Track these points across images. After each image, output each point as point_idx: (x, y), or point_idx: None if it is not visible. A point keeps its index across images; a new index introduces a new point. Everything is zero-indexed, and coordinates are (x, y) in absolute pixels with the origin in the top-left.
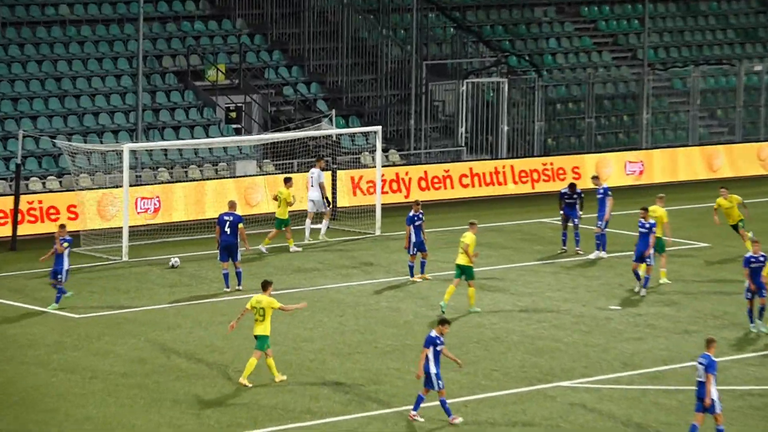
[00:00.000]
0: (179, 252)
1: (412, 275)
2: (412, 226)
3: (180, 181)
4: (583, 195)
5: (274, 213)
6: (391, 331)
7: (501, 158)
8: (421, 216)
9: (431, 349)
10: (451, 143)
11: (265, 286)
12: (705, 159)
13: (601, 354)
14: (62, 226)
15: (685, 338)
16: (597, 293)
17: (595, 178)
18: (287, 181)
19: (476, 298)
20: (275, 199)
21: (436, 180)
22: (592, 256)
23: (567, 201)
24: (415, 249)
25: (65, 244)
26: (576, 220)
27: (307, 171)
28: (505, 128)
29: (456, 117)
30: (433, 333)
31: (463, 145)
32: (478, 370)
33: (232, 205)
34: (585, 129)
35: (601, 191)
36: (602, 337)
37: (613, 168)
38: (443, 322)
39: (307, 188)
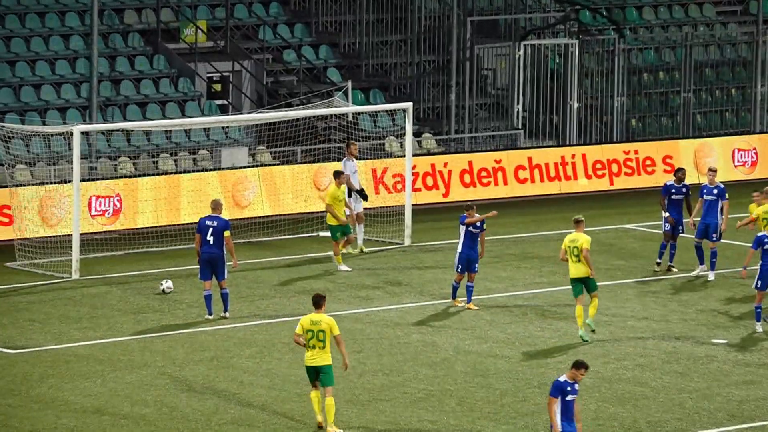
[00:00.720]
0: (146, 268)
1: (454, 297)
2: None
3: (147, 175)
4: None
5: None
6: (425, 371)
7: (570, 145)
8: (480, 225)
9: (559, 399)
10: (504, 125)
11: (319, 302)
12: None
13: (701, 402)
14: None
15: None
16: (695, 323)
17: (713, 171)
18: (338, 175)
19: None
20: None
21: (484, 173)
22: (694, 274)
23: (674, 197)
24: (463, 267)
25: None
26: (681, 226)
27: (317, 162)
28: (576, 105)
29: (510, 91)
30: (563, 378)
31: (519, 127)
32: (538, 423)
33: (217, 206)
34: (680, 106)
35: (715, 191)
36: (702, 380)
37: (718, 157)
38: (579, 365)
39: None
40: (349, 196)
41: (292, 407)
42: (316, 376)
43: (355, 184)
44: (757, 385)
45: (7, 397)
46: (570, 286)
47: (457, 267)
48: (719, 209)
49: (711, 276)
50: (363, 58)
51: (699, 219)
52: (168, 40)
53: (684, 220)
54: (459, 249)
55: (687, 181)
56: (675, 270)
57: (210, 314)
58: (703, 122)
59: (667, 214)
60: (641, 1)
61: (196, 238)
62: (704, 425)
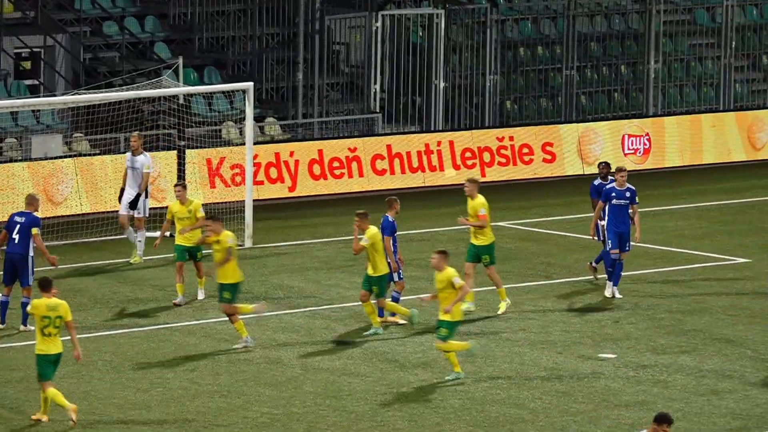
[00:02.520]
0: None
1: (382, 315)
2: (392, 238)
3: None
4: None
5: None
6: (269, 392)
7: (435, 131)
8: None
9: None
10: (359, 108)
11: (46, 285)
12: (743, 130)
13: (587, 426)
14: None
15: (711, 402)
16: (579, 334)
17: (623, 172)
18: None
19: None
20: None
21: (336, 164)
22: (608, 293)
23: (609, 194)
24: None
25: None
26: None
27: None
28: (442, 85)
29: (367, 68)
30: None
31: (377, 110)
32: None
33: (32, 201)
34: (562, 85)
35: (628, 194)
36: (588, 400)
37: (605, 145)
38: (662, 420)
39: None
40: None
41: None
42: (54, 366)
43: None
44: (651, 406)
45: None
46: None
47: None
48: (629, 215)
49: (618, 294)
50: (196, 31)
51: (602, 223)
52: None
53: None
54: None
55: (569, 171)
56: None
57: (2, 323)
58: (588, 104)
59: (604, 223)
60: None
61: (2, 234)
62: None
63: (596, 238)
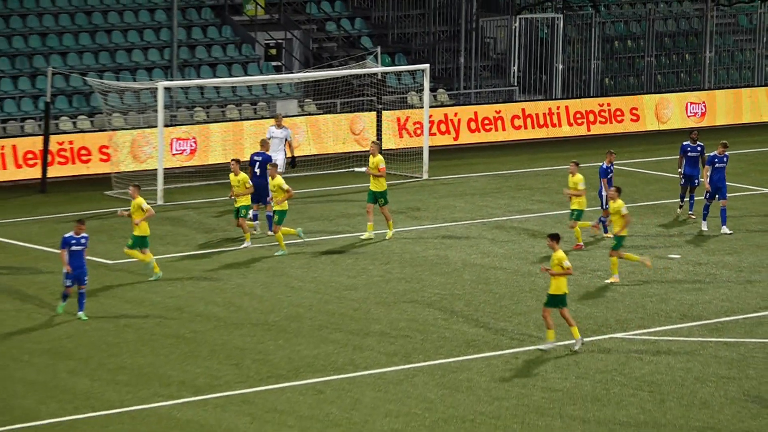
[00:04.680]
0: (216, 196)
1: (605, 231)
2: (606, 179)
3: (217, 121)
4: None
5: None
6: (439, 279)
7: (555, 99)
8: (612, 168)
9: None
10: (502, 83)
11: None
12: None
13: (659, 305)
14: (80, 222)
15: (747, 288)
16: (655, 240)
17: (725, 145)
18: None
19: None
20: None
21: (486, 121)
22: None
23: (689, 155)
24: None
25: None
26: (697, 180)
27: (352, 111)
28: (560, 67)
29: (508, 55)
30: None
31: (515, 84)
32: (530, 321)
33: (264, 143)
34: (644, 68)
35: (725, 160)
36: (660, 287)
37: (674, 110)
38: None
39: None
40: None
41: (333, 308)
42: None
43: (281, 152)
44: (704, 292)
45: (106, 298)
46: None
47: (605, 204)
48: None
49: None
50: (390, 29)
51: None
52: (233, 14)
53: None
54: (603, 192)
55: (649, 128)
56: (693, 217)
57: (256, 228)
58: (662, 81)
59: (681, 171)
60: None
61: (248, 170)
62: (662, 323)
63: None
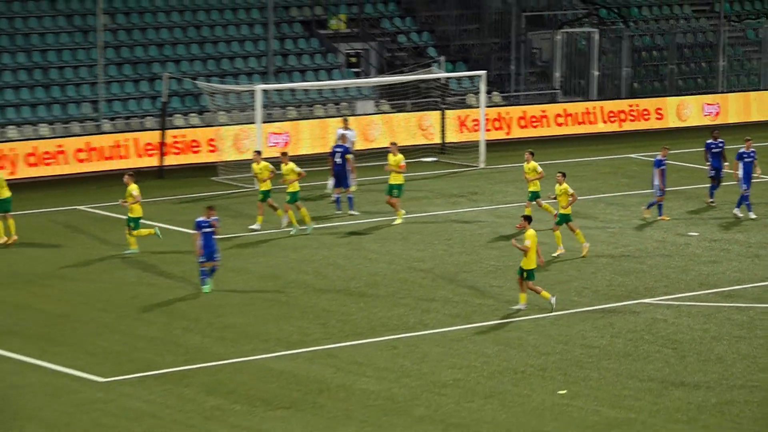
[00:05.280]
0: (305, 181)
1: (660, 214)
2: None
3: (306, 119)
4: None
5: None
6: (493, 253)
7: (592, 100)
8: (665, 160)
9: None
10: (547, 86)
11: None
12: None
13: (681, 275)
14: (211, 208)
15: (755, 262)
16: (677, 221)
17: (749, 140)
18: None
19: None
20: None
21: (533, 119)
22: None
23: (713, 151)
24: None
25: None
26: (722, 172)
27: (420, 110)
28: (596, 73)
29: (551, 63)
30: None
31: (557, 88)
32: (571, 288)
33: (343, 137)
34: (667, 74)
35: (753, 154)
36: (681, 260)
37: (692, 110)
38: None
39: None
40: None
41: (405, 276)
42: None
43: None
44: (719, 264)
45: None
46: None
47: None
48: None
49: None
50: (451, 40)
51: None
52: (320, 28)
53: (725, 164)
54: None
55: (671, 125)
56: (714, 204)
57: (339, 210)
58: (682, 85)
59: (709, 164)
60: (641, 2)
61: (329, 160)
62: (683, 290)
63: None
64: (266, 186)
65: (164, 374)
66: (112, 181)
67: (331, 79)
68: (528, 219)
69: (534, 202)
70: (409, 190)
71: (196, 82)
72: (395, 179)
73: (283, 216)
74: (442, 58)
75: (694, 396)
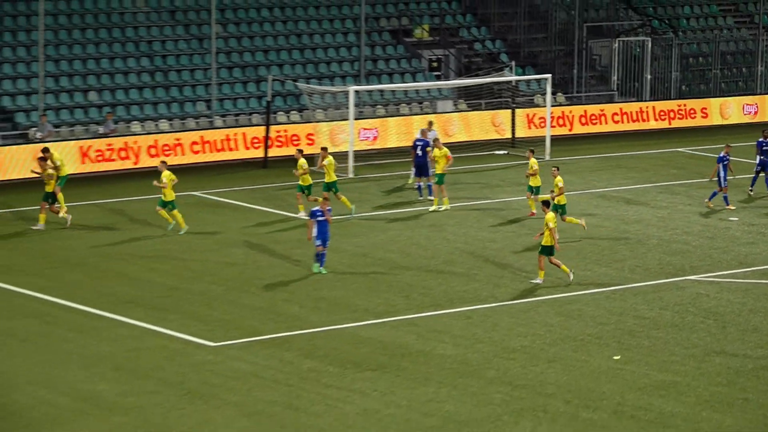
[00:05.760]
0: (393, 170)
1: (727, 203)
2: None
3: (393, 116)
4: None
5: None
6: (557, 235)
7: (645, 100)
8: (728, 157)
9: None
10: (605, 88)
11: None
12: None
13: (722, 255)
14: (326, 199)
15: None
16: (720, 208)
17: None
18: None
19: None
20: None
21: (593, 117)
22: None
23: (764, 149)
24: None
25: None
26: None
27: (493, 109)
28: (648, 77)
29: (609, 68)
30: None
31: (614, 90)
32: (625, 266)
33: (423, 132)
34: (711, 78)
35: None
36: (723, 241)
37: (733, 109)
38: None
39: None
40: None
41: (480, 254)
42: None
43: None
44: (757, 245)
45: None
46: None
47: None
48: None
49: None
50: (521, 47)
51: None
52: (405, 36)
53: None
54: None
55: (714, 123)
56: (752, 193)
57: (420, 196)
58: (725, 87)
59: (760, 157)
60: (689, 15)
61: (412, 152)
62: (724, 268)
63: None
64: (308, 180)
65: (267, 340)
66: (223, 170)
67: (414, 81)
68: (546, 204)
69: (534, 195)
70: (483, 179)
71: (297, 83)
72: (440, 169)
73: (302, 208)
74: (513, 63)
75: (733, 362)
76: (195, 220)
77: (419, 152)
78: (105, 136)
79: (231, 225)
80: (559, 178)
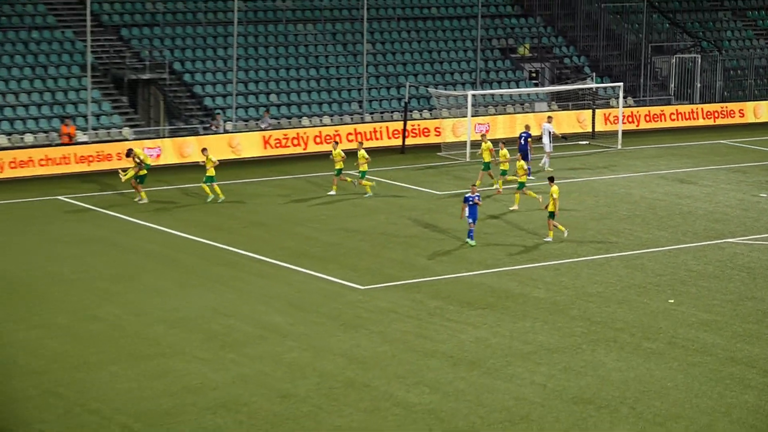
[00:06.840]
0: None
1: None
2: None
3: (500, 114)
4: None
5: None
6: (626, 206)
7: (695, 103)
8: None
9: None
10: (665, 94)
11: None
12: None
13: (754, 223)
14: (473, 185)
15: None
16: (752, 186)
17: None
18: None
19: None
20: None
21: (655, 116)
22: None
23: None
24: None
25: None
26: None
27: (578, 109)
28: (698, 85)
29: (668, 78)
30: None
31: (672, 95)
32: (678, 231)
33: (528, 126)
34: (747, 86)
35: None
36: (755, 212)
37: (765, 110)
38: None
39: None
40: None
41: (563, 222)
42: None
43: (547, 139)
44: None
45: (436, 213)
46: None
47: None
48: None
49: None
50: (601, 62)
51: None
52: (512, 53)
53: None
54: None
55: (749, 120)
56: None
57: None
58: (758, 94)
59: None
60: (731, 37)
61: (518, 143)
62: (756, 233)
63: None
64: (339, 165)
65: (403, 284)
66: (372, 155)
67: (518, 87)
68: (551, 179)
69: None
70: (568, 163)
71: (428, 89)
72: (486, 158)
73: (369, 190)
74: (594, 74)
75: (761, 305)
76: (349, 190)
77: (522, 141)
78: (262, 129)
79: (375, 197)
80: (522, 162)
